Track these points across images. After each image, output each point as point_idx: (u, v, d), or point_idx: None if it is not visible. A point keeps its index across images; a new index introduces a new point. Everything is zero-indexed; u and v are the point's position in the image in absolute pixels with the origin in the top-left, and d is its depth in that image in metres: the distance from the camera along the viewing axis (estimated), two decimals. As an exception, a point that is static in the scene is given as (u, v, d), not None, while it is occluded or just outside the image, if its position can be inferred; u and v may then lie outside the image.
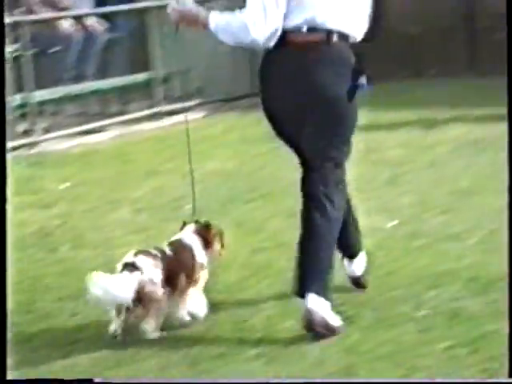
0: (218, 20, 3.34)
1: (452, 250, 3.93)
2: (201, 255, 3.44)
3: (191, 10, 3.39)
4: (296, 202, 4.89)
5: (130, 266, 3.29)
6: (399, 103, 7.41)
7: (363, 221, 4.42)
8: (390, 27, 8.70)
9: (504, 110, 7.11)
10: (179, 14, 3.40)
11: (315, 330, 3.15)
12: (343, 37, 3.30)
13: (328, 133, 3.34)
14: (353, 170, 5.38)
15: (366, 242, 4.11)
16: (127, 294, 3.21)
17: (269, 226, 4.54)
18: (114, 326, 3.29)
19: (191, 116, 7.91)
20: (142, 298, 3.25)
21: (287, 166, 5.65)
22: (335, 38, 3.28)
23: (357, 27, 3.34)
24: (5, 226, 2.75)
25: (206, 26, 3.36)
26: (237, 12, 3.31)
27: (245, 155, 6.23)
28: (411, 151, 5.82)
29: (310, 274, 3.25)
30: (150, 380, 3.01)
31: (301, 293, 3.24)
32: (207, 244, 3.48)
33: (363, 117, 6.76)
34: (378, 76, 9.00)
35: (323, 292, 3.20)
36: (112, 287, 3.19)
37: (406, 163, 5.53)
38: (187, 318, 3.38)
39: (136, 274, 3.26)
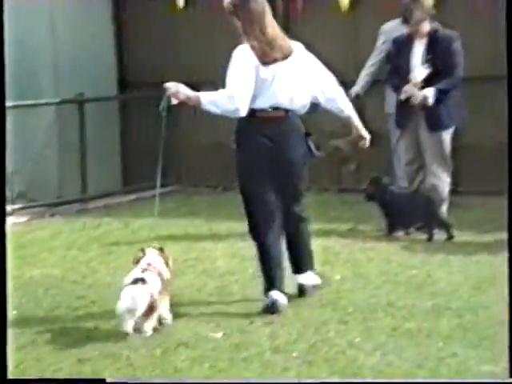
0: (207, 96, 4.68)
1: (276, 362, 3.99)
2: (166, 272, 4.57)
3: (184, 89, 4.71)
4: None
5: (141, 281, 4.33)
6: (225, 215, 7.58)
7: (191, 331, 4.46)
8: (220, 141, 8.97)
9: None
10: (176, 92, 4.68)
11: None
12: (295, 112, 4.78)
13: (289, 186, 4.86)
14: (182, 280, 5.47)
15: (194, 352, 4.15)
16: (146, 302, 4.28)
17: (96, 335, 4.45)
18: (127, 326, 4.28)
19: (14, 220, 7.74)
20: (150, 304, 4.31)
21: (115, 272, 5.65)
22: (291, 114, 4.76)
23: (303, 104, 4.82)
24: (4, 228, 2.71)
25: (197, 101, 4.67)
26: (220, 90, 4.66)
27: (72, 261, 6.13)
28: (237, 261, 5.92)
29: (304, 258, 4.98)
30: (161, 380, 3.25)
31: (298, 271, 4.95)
32: (166, 263, 4.62)
33: (190, 227, 6.90)
34: (205, 187, 9.18)
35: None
36: (137, 298, 4.24)
37: (232, 273, 5.62)
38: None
39: (147, 286, 4.32)
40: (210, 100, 4.65)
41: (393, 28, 7.03)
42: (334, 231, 6.74)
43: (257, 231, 4.83)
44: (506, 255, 5.72)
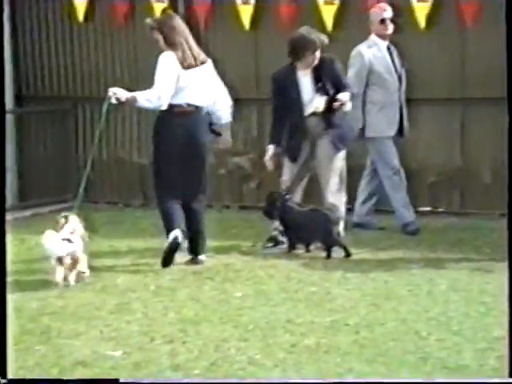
0: (141, 95, 6.03)
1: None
2: (84, 236, 5.81)
3: (124, 92, 6.04)
4: (18, 328, 4.75)
5: (67, 240, 5.62)
6: (125, 231, 7.52)
7: (89, 350, 4.40)
8: (122, 157, 8.92)
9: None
10: (119, 94, 6.00)
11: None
12: (203, 108, 6.16)
13: (195, 166, 6.15)
14: (80, 297, 5.40)
15: (92, 371, 4.10)
16: (70, 256, 5.60)
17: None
18: (59, 276, 5.59)
19: None
20: (74, 260, 5.62)
21: (11, 291, 5.52)
22: (200, 109, 6.14)
23: (210, 103, 6.19)
24: (4, 229, 2.63)
25: (134, 100, 6.04)
26: (150, 90, 6.01)
27: None
28: (138, 279, 5.89)
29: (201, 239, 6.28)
30: (176, 380, 3.30)
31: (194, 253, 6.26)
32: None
33: (90, 244, 6.81)
34: (105, 204, 9.07)
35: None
36: (58, 248, 5.58)
37: (133, 291, 5.58)
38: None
39: (72, 245, 5.62)
40: (145, 98, 6.01)
41: (365, 50, 7.15)
42: (235, 248, 6.78)
43: (161, 200, 6.14)
44: (399, 274, 5.92)
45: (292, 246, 6.61)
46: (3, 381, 2.85)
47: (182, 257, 6.20)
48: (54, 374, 4.07)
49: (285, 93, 6.64)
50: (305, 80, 6.61)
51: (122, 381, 3.06)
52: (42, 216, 8.34)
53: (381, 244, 6.87)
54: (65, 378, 3.26)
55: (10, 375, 3.01)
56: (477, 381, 3.10)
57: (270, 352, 4.36)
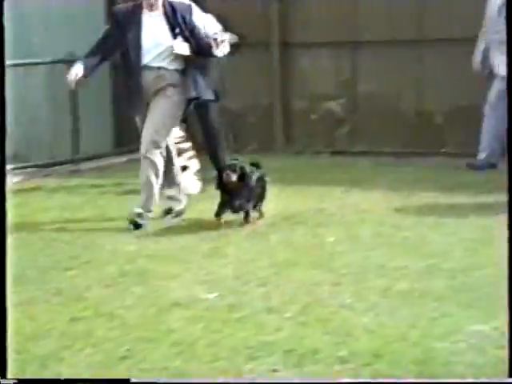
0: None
1: (270, 323, 4.01)
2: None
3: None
4: (116, 270, 4.89)
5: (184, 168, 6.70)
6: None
7: (184, 292, 4.48)
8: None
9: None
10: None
11: None
12: None
13: None
14: (175, 241, 5.48)
15: (188, 312, 4.17)
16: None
17: (89, 295, 4.47)
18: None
19: (6, 181, 7.68)
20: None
21: (109, 234, 5.66)
22: None
23: None
24: (5, 225, 2.72)
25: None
26: None
27: (65, 222, 6.13)
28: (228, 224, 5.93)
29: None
30: (189, 380, 3.19)
31: None
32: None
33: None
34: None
35: None
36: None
37: (226, 235, 5.63)
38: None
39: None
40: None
41: None
42: (327, 193, 6.74)
43: None
44: (498, 218, 5.78)
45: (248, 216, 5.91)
46: (4, 381, 2.88)
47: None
48: (151, 313, 4.15)
49: (124, 33, 5.79)
50: (151, 22, 5.80)
51: (133, 381, 3.08)
52: (137, 161, 8.44)
53: (480, 188, 6.71)
54: (74, 378, 3.28)
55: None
56: (477, 381, 3.02)
57: (363, 296, 4.34)
